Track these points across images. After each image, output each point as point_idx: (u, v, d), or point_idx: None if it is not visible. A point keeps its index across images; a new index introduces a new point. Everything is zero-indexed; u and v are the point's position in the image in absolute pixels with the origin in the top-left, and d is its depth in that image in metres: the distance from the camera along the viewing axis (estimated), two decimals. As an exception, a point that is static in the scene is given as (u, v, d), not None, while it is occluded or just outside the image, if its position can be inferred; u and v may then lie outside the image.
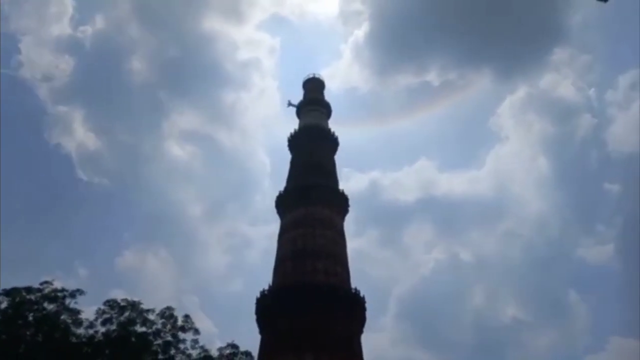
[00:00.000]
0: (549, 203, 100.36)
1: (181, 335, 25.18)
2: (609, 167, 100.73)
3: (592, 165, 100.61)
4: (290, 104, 65.27)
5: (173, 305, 25.96)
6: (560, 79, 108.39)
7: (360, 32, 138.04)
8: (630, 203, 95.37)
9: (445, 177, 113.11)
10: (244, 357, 25.78)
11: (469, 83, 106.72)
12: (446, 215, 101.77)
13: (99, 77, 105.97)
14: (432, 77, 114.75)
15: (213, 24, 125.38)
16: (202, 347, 25.39)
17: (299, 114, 58.02)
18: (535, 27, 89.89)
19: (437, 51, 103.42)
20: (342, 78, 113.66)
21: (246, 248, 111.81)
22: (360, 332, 40.02)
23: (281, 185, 50.73)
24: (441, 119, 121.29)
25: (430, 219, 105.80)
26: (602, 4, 15.98)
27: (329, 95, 61.61)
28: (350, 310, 39.04)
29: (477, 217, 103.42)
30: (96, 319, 24.10)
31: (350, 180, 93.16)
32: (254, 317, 40.33)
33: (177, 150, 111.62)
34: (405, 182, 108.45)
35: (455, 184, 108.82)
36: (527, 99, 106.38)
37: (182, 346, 25.07)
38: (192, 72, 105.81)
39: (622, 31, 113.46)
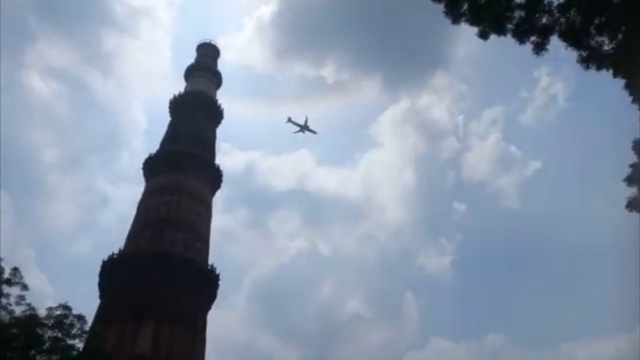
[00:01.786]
0: (406, 213, 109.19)
1: (5, 289, 22.55)
2: (460, 189, 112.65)
3: (447, 185, 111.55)
4: (290, 121, 69.85)
5: (2, 255, 23.13)
6: (437, 101, 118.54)
7: (267, 10, 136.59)
8: (470, 224, 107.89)
9: (321, 171, 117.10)
10: (76, 320, 23.83)
11: (360, 87, 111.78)
12: (314, 207, 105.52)
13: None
14: (328, 72, 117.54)
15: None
16: (28, 304, 22.99)
17: (187, 77, 55.34)
18: (426, 49, 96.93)
19: (337, 49, 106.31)
20: (239, 52, 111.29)
21: (102, 207, 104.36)
22: (209, 308, 39.61)
23: (155, 147, 48.11)
24: (328, 115, 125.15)
25: (299, 209, 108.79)
26: (482, 40, 17.52)
27: (222, 65, 59.81)
28: (202, 286, 38.39)
29: (342, 214, 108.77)
30: None
31: (229, 155, 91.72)
32: (97, 280, 37.68)
33: (39, 85, 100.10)
34: (283, 169, 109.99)
35: (329, 179, 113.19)
36: (406, 113, 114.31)
37: (4, 301, 22.47)
38: (73, 3, 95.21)
39: (495, 71, 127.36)
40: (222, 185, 48.32)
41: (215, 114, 52.10)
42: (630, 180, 11.48)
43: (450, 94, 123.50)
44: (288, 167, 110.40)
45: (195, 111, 49.72)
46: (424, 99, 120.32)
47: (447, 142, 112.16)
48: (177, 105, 51.07)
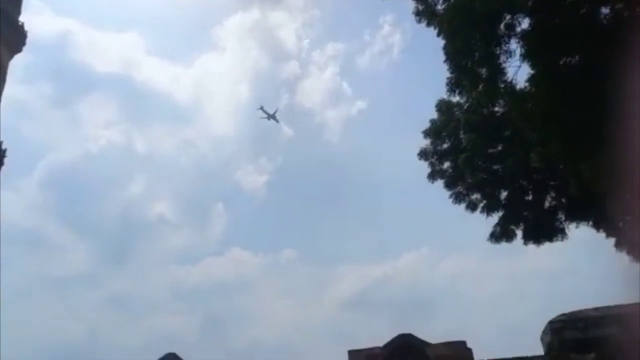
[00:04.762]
0: (233, 126, 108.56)
1: None
2: (291, 114, 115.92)
3: (279, 107, 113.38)
4: (261, 109, 72.04)
5: None
6: (289, 21, 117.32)
7: None
8: (292, 149, 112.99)
9: (151, 62, 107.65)
10: None
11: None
12: (137, 100, 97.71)
13: None
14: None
15: None
16: None
17: None
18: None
19: None
20: None
21: None
22: (-13, 186, 34.52)
23: None
24: (169, 3, 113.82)
25: (118, 98, 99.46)
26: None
27: None
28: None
29: (167, 114, 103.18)
30: None
31: (40, 17, 77.47)
32: None
33: None
34: (106, 49, 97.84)
35: (158, 73, 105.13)
36: (255, 25, 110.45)
37: None
38: None
39: (348, 7, 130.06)
40: (25, 49, 40.71)
41: (28, -39, 42.79)
42: (425, 133, 13.03)
43: (302, 17, 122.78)
44: (113, 48, 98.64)
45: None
46: (276, 15, 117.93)
47: (288, 64, 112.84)
48: None
